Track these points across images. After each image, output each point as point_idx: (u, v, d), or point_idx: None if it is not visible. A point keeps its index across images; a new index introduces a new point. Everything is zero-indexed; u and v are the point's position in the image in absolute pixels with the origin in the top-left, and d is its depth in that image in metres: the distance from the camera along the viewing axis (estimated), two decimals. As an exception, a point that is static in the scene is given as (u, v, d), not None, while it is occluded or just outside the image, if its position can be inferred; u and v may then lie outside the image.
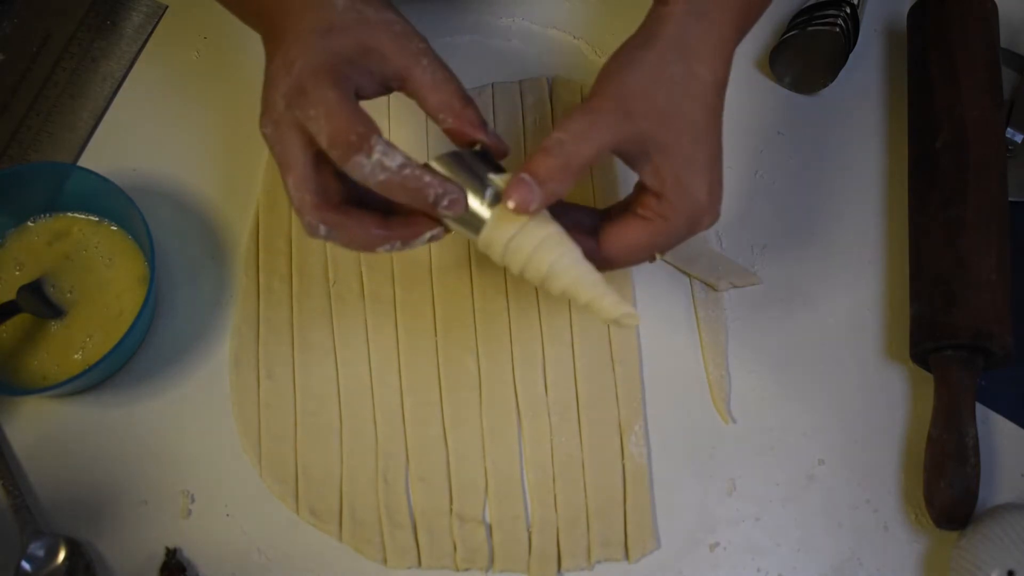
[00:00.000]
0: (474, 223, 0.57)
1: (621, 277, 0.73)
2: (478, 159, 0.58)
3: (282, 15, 0.57)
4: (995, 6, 0.76)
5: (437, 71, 0.57)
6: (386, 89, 0.58)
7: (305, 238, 0.73)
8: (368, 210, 0.57)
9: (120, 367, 0.71)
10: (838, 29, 0.74)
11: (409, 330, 0.71)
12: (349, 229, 0.56)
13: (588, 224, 0.61)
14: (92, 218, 0.73)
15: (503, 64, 0.80)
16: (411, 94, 0.58)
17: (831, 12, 0.75)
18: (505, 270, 0.72)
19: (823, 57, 0.76)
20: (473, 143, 0.58)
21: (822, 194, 0.76)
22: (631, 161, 0.58)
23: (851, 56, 0.77)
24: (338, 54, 0.55)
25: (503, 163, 0.59)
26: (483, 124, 0.58)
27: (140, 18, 0.81)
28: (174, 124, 0.78)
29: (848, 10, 0.75)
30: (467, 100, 0.58)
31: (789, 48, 0.77)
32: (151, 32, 0.80)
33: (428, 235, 0.58)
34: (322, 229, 0.56)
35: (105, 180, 0.70)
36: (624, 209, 0.61)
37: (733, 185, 0.76)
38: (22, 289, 0.69)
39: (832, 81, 0.78)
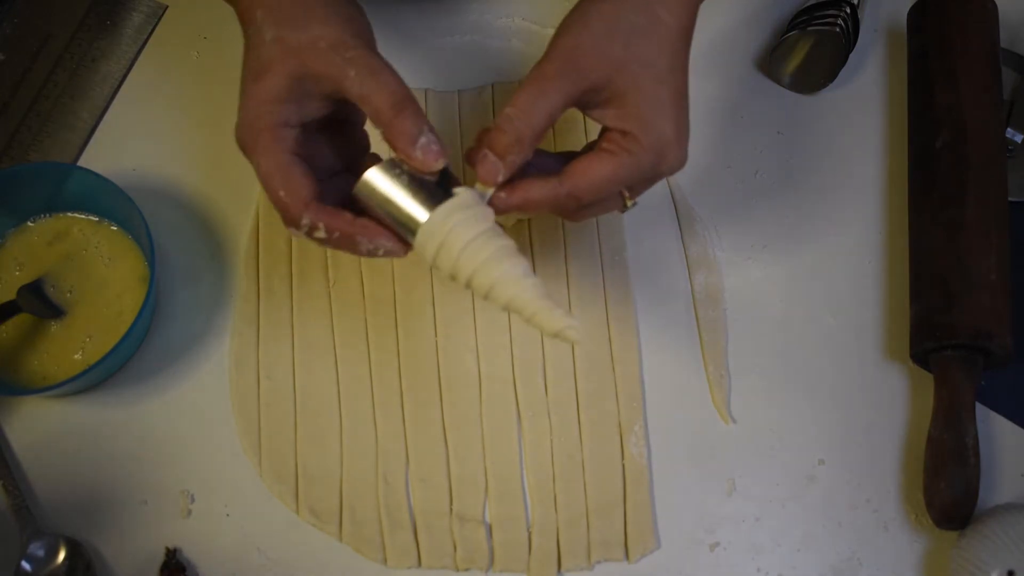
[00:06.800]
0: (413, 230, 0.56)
1: (620, 277, 0.73)
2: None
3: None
4: (995, 6, 0.76)
5: (366, 81, 0.55)
6: (336, 103, 0.58)
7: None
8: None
9: (120, 367, 0.71)
10: (838, 29, 0.74)
11: (409, 330, 0.71)
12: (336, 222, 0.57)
13: (554, 168, 0.60)
14: (92, 218, 0.73)
15: (503, 64, 0.80)
16: (355, 104, 0.57)
17: (831, 12, 0.75)
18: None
19: (823, 57, 0.76)
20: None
21: (822, 194, 0.76)
22: (593, 111, 0.59)
23: (851, 56, 0.77)
24: (270, 99, 0.56)
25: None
26: (415, 135, 0.54)
27: (140, 18, 0.81)
28: (174, 124, 0.78)
29: (848, 10, 0.75)
30: (400, 108, 0.55)
31: (789, 48, 0.77)
32: (151, 32, 0.80)
33: (382, 250, 0.57)
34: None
35: (105, 180, 0.70)
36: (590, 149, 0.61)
37: (733, 185, 0.76)
38: (22, 289, 0.69)
39: (832, 81, 0.78)
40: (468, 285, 0.56)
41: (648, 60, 0.58)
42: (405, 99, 0.55)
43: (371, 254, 0.57)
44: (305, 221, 0.55)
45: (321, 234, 0.55)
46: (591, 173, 0.58)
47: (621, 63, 0.57)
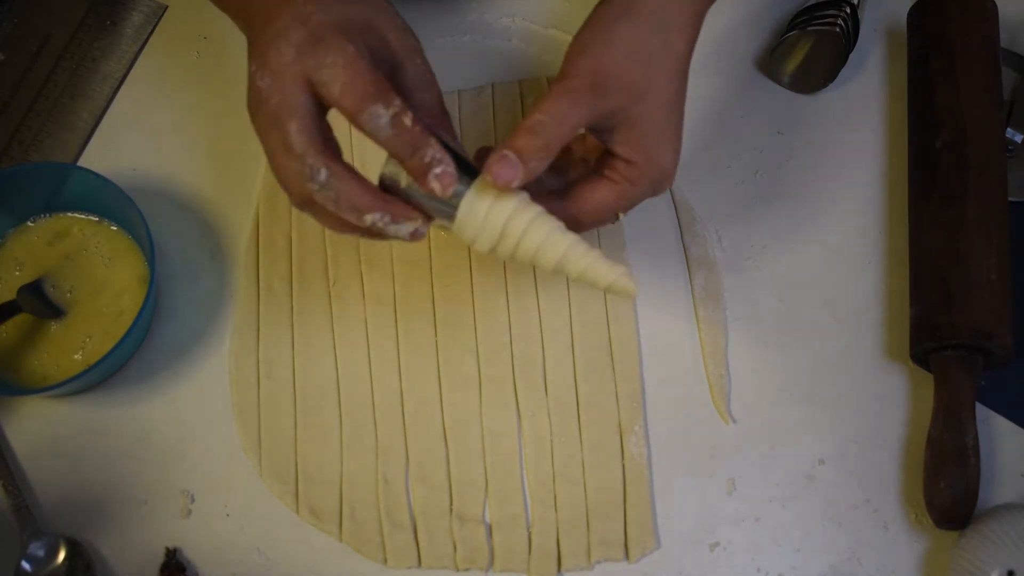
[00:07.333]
0: (449, 208, 0.57)
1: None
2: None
3: None
4: (995, 6, 0.76)
5: (427, 72, 0.59)
6: None
7: (305, 238, 0.73)
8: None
9: (120, 367, 0.71)
10: (838, 29, 0.74)
11: (409, 330, 0.71)
12: (347, 183, 0.55)
13: (554, 185, 0.62)
14: (92, 218, 0.73)
15: (503, 64, 0.80)
16: (397, 88, 0.58)
17: (831, 12, 0.75)
18: (505, 270, 0.72)
19: (823, 57, 0.76)
20: None
21: (822, 194, 0.76)
22: (602, 133, 0.60)
23: (851, 56, 0.77)
24: (353, 19, 0.56)
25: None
26: (453, 136, 0.60)
27: (140, 18, 0.81)
28: (174, 124, 0.78)
29: (848, 10, 0.75)
30: (444, 109, 0.60)
31: (789, 48, 0.77)
32: (151, 32, 0.80)
33: (413, 226, 0.57)
34: (323, 173, 0.55)
35: (105, 180, 0.70)
36: (590, 169, 0.62)
37: (733, 185, 0.76)
38: (22, 289, 0.70)
39: (832, 81, 0.78)
40: (518, 242, 0.57)
41: (661, 88, 0.59)
42: (443, 104, 0.60)
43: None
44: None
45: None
46: (595, 200, 0.60)
47: (640, 92, 0.58)
